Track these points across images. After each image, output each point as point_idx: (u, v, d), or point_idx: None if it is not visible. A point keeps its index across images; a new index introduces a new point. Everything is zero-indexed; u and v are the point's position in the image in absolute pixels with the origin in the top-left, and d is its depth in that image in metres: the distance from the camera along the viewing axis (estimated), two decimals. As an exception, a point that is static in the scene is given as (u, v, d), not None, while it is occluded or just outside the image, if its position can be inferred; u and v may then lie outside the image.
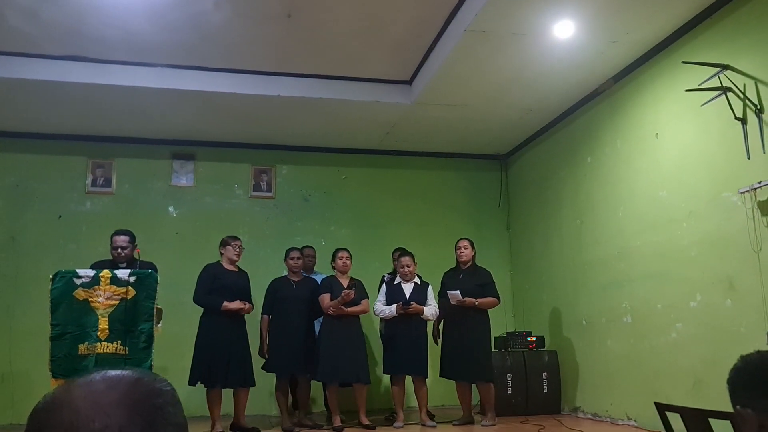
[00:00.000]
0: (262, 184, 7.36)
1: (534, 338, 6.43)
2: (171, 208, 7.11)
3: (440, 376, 5.76)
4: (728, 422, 2.52)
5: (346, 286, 5.61)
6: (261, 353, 5.64)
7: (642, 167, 5.30)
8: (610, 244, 5.71)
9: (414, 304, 5.63)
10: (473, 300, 5.61)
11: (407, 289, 5.79)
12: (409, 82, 6.19)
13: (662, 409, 2.80)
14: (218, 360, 5.16)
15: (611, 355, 5.65)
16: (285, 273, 5.97)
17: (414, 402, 6.09)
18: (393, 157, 7.67)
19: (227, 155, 7.29)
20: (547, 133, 6.94)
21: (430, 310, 5.76)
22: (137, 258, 4.92)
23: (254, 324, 5.75)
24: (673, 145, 4.92)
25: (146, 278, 4.38)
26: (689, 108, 4.70)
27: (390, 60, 5.77)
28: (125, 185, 7.03)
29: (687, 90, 4.59)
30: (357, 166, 7.62)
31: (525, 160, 7.56)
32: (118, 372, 0.75)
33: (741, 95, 4.16)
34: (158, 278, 4.45)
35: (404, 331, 5.63)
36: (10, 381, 6.30)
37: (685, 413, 2.67)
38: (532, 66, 5.40)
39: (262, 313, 5.71)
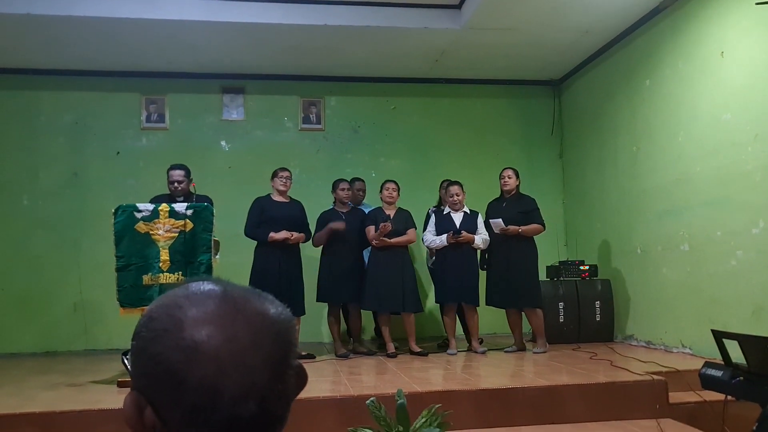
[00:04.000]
0: (311, 116, 7.36)
1: (587, 267, 6.39)
2: (223, 143, 7.21)
3: (486, 304, 5.80)
4: (789, 349, 2.47)
5: (392, 218, 5.65)
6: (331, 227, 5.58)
7: (705, 89, 5.05)
8: (668, 171, 5.53)
9: (464, 233, 5.64)
10: (516, 228, 5.58)
11: (457, 218, 5.79)
12: (459, 6, 5.98)
13: (720, 336, 2.76)
14: (268, 290, 5.28)
15: (667, 283, 5.56)
16: (332, 206, 6.00)
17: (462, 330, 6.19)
18: (443, 85, 7.51)
19: (276, 88, 7.28)
20: (603, 56, 6.65)
21: (481, 238, 5.75)
22: (193, 192, 5.04)
23: (308, 256, 5.88)
24: (740, 63, 4.65)
25: (203, 211, 4.50)
26: (759, 23, 4.41)
27: (438, -17, 5.57)
28: (178, 120, 7.14)
29: (757, 3, 4.29)
30: (406, 96, 7.51)
31: (579, 85, 7.30)
32: (259, 315, 0.71)
33: (818, 7, 3.87)
34: (214, 211, 4.57)
35: (454, 260, 5.66)
36: (81, 310, 6.68)
37: (744, 340, 2.63)
38: (588, -16, 5.13)
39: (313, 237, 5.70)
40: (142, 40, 6.10)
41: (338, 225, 5.56)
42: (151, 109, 7.10)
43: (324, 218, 5.72)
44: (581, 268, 6.38)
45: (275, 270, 5.35)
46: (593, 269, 6.41)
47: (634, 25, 5.96)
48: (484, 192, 6.31)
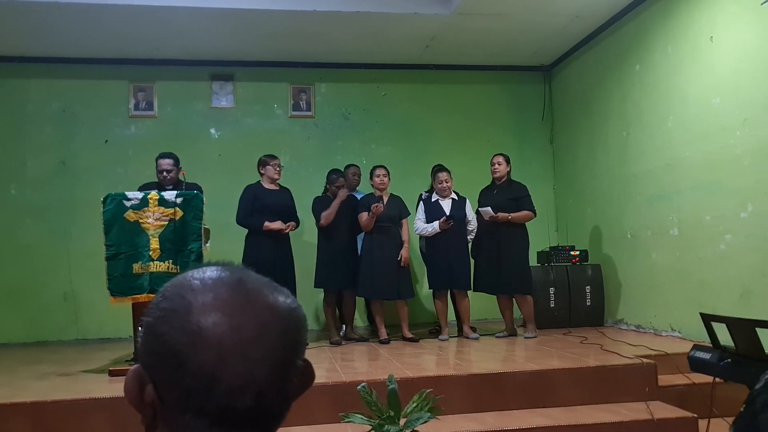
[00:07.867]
0: (301, 103, 7.32)
1: (577, 252, 6.42)
2: (212, 130, 7.16)
3: (475, 290, 5.83)
4: (776, 331, 2.50)
5: (385, 203, 5.63)
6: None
7: (694, 73, 5.06)
8: (657, 156, 5.55)
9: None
10: (506, 215, 5.59)
11: (446, 205, 5.79)
12: (449, -8, 5.95)
13: (708, 319, 2.79)
14: None
15: (656, 267, 5.60)
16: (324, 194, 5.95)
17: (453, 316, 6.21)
18: (433, 71, 7.48)
19: (266, 75, 7.23)
20: (594, 41, 6.64)
21: (472, 228, 5.85)
22: (182, 180, 5.01)
23: (298, 242, 5.86)
24: (730, 48, 4.66)
25: (192, 199, 4.47)
26: (748, 7, 4.41)
27: (428, -32, 5.53)
28: (167, 108, 7.08)
29: (763, 3, 4.29)
30: (397, 82, 7.48)
31: (570, 70, 7.29)
32: (269, 308, 0.70)
33: (806, -9, 3.87)
34: (204, 199, 4.54)
35: (446, 246, 5.67)
36: (72, 299, 6.65)
37: (732, 323, 2.65)
38: (578, -32, 5.11)
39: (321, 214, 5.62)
40: (130, 27, 6.03)
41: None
42: (140, 97, 7.04)
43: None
44: (572, 253, 6.41)
45: (268, 258, 5.31)
46: (584, 254, 6.44)
47: (624, 10, 5.95)
48: (475, 178, 6.31)
